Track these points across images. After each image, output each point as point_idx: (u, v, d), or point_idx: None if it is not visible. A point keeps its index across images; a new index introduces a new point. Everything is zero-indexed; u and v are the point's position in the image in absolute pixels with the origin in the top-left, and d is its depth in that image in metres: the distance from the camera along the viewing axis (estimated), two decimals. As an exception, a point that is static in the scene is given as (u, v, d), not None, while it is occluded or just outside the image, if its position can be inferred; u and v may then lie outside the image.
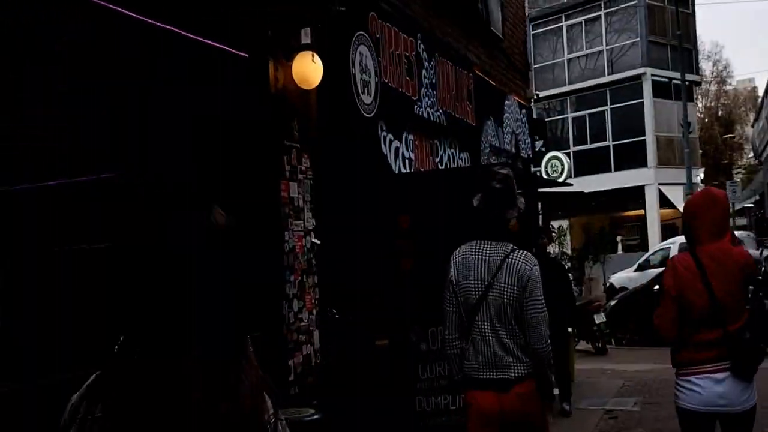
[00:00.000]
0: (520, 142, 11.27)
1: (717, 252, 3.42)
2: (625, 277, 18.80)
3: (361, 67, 6.32)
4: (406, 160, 7.39)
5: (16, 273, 3.38)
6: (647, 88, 28.31)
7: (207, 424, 1.20)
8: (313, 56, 5.40)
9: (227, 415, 1.23)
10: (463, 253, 3.48)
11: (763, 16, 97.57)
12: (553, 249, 13.93)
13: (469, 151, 9.20)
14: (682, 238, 20.93)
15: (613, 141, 28.71)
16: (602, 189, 25.15)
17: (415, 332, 5.19)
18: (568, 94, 29.90)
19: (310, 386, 5.19)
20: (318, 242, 5.68)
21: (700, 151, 37.24)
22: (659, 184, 27.79)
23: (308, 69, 5.40)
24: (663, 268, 13.49)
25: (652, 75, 28.40)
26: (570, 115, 29.96)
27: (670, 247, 18.69)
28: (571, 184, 10.94)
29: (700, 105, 40.47)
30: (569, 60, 30.20)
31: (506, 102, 10.80)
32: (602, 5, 29.32)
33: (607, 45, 29.36)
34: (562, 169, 13.03)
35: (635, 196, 27.73)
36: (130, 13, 3.95)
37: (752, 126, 78.27)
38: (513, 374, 3.33)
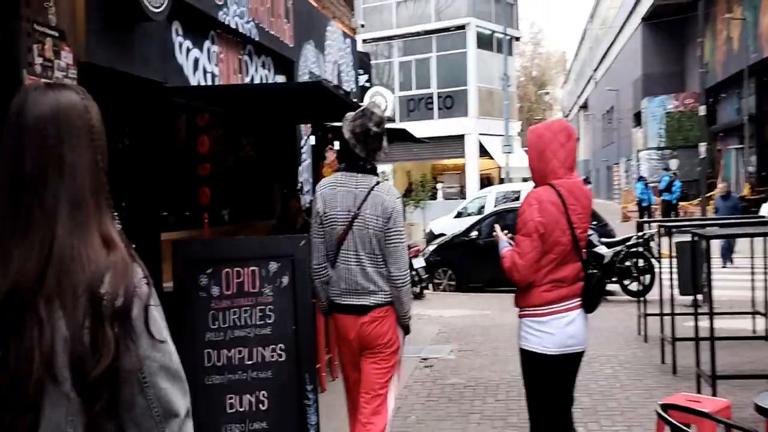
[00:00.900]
0: (343, 74, 10.44)
1: (573, 187, 3.28)
2: (445, 223, 18.94)
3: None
4: (208, 75, 6.28)
5: None
6: (471, 39, 28.72)
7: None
8: None
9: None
10: (329, 185, 3.53)
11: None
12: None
13: (286, 75, 8.22)
14: (498, 188, 21.66)
15: (437, 89, 28.93)
16: (426, 136, 25.24)
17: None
18: (395, 38, 29.61)
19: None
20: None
21: (518, 105, 38.86)
22: (479, 134, 28.50)
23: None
24: (480, 216, 13.43)
25: (477, 26, 28.81)
26: (396, 60, 29.76)
27: (486, 196, 19.02)
28: (393, 120, 10.40)
29: (517, 63, 42.25)
30: (398, 3, 29.81)
31: (329, 28, 9.88)
32: (432, -48, 29.13)
33: (435, -8, 29.32)
34: (386, 107, 12.46)
35: (456, 144, 28.22)
36: None
37: (562, 87, 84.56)
38: (372, 301, 3.46)
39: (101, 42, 4.63)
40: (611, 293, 10.81)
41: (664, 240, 7.94)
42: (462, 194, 27.94)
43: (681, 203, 24.72)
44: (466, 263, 11.94)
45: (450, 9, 29.23)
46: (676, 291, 7.01)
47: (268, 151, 8.52)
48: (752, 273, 8.25)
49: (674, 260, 7.21)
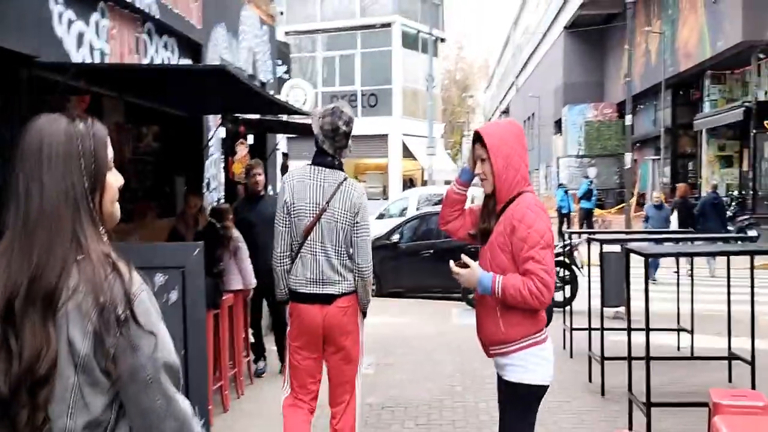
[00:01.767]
0: (259, 63, 9.68)
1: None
2: (366, 225, 18.40)
3: None
4: (96, 52, 5.44)
5: None
6: (396, 37, 28.34)
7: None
8: None
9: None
10: (298, 177, 3.68)
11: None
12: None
13: (194, 59, 7.42)
14: (421, 190, 21.28)
15: (361, 86, 28.40)
16: (348, 135, 24.65)
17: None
18: (318, 32, 28.88)
19: None
20: None
21: (441, 108, 38.80)
22: (403, 134, 28.14)
23: None
24: (403, 218, 12.88)
25: (402, 24, 28.45)
26: (320, 54, 29.03)
27: (408, 198, 18.60)
28: (308, 114, 9.72)
29: (442, 66, 42.27)
30: (323, -4, 29.14)
31: (243, 12, 9.11)
32: (359, -54, 28.57)
33: (360, -13, 28.77)
34: (306, 101, 11.78)
35: (380, 144, 27.76)
36: None
37: (485, 92, 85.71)
38: (338, 290, 3.65)
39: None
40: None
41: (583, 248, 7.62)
42: (385, 195, 27.49)
43: (598, 211, 25.05)
44: (387, 268, 11.40)
45: (376, 6, 28.77)
46: (604, 304, 6.66)
47: (171, 143, 7.70)
48: (677, 285, 8.04)
49: (596, 270, 6.87)
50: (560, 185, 26.56)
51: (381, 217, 18.40)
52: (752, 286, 5.82)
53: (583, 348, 6.70)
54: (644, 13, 26.26)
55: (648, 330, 4.76)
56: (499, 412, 3.08)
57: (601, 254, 7.02)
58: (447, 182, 23.31)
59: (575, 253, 10.55)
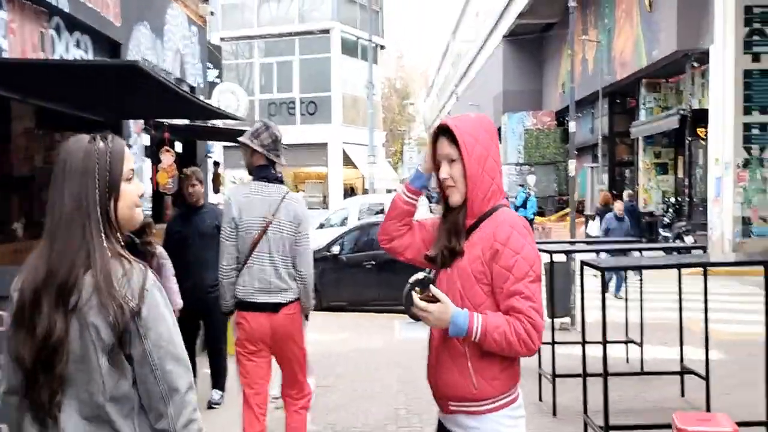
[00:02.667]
0: (188, 65, 9.10)
1: None
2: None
3: None
4: (-8, 48, 4.84)
5: None
6: (336, 44, 27.93)
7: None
8: None
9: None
10: (244, 194, 3.90)
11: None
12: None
13: (111, 58, 6.83)
14: (362, 199, 20.86)
15: (300, 93, 27.86)
16: (287, 142, 24.07)
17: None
18: (255, 37, 28.22)
19: None
20: None
21: (382, 116, 38.55)
22: (343, 142, 27.71)
23: None
24: (346, 228, 12.40)
25: (342, 31, 28.08)
26: (257, 61, 28.36)
27: (349, 207, 18.18)
28: (242, 119, 9.22)
29: (382, 74, 42.11)
30: (260, 2, 28.46)
31: (170, 11, 8.53)
32: (298, -48, 28.09)
33: (300, -7, 28.28)
34: (239, 107, 11.19)
35: (319, 152, 27.26)
36: None
37: (425, 101, 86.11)
38: (285, 298, 3.88)
39: None
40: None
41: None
42: (325, 204, 26.98)
43: (538, 219, 25.15)
44: (328, 280, 10.91)
45: (315, 12, 28.29)
46: (557, 319, 6.36)
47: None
48: (626, 296, 7.85)
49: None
50: (501, 193, 26.57)
51: (321, 227, 17.89)
52: (705, 300, 5.62)
53: (532, 364, 6.37)
54: (581, 21, 26.58)
55: (605, 344, 4.45)
56: None
57: (551, 264, 6.75)
58: (389, 191, 22.98)
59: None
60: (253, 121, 21.58)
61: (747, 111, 16.11)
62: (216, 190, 10.81)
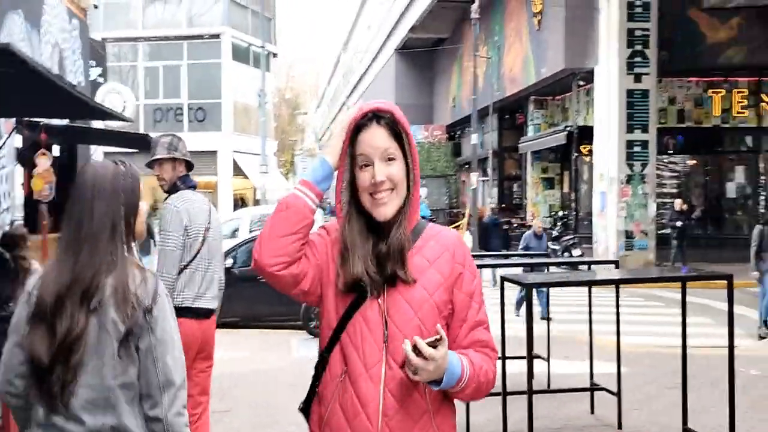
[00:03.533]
0: (67, 61, 8.32)
1: None
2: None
3: None
4: None
5: None
6: (226, 49, 27.10)
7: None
8: None
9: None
10: (188, 202, 3.95)
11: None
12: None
13: (-23, 50, 6.05)
14: (254, 210, 20.18)
15: (188, 99, 26.79)
16: (174, 150, 23.03)
17: None
18: (140, 39, 26.91)
19: None
20: None
21: (274, 124, 37.87)
22: (234, 151, 26.87)
23: None
24: (238, 240, 11.84)
25: (233, 36, 27.30)
26: (142, 64, 27.04)
27: (241, 219, 17.51)
28: (131, 120, 8.56)
29: (273, 83, 41.40)
30: (146, 3, 27.18)
31: (48, 0, 7.75)
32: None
33: (188, -4, 27.25)
34: (125, 108, 10.40)
35: (208, 161, 26.25)
36: None
37: (315, 112, 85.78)
38: (216, 304, 4.03)
39: None
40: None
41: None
42: (213, 215, 25.98)
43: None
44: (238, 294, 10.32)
45: (204, 17, 27.32)
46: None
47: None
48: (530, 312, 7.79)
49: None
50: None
51: (210, 238, 17.14)
52: (617, 314, 5.60)
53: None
54: (472, 37, 27.18)
55: (504, 359, 4.30)
56: None
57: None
58: (281, 202, 22.38)
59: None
60: (137, 127, 20.43)
61: (629, 129, 16.88)
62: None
